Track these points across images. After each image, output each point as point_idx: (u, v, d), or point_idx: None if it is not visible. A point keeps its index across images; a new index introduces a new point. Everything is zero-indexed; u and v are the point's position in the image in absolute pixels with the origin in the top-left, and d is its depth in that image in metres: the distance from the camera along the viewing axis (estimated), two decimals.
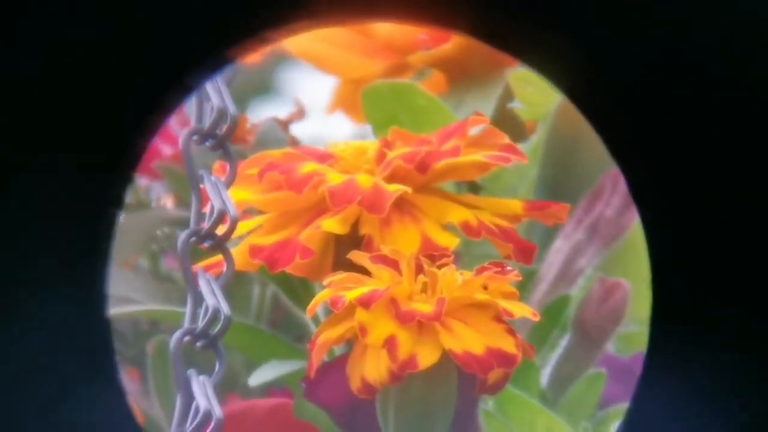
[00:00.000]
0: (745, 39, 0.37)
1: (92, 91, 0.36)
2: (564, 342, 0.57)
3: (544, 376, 0.57)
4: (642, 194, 0.39)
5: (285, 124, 0.64)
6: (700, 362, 0.38)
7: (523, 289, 0.60)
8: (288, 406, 0.52)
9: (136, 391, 0.59)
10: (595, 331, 0.57)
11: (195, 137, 0.41)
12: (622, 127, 0.38)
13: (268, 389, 0.57)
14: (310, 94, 0.64)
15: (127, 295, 0.60)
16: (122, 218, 0.65)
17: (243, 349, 0.55)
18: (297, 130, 0.63)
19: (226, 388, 0.58)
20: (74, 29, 0.35)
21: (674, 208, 0.38)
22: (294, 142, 0.63)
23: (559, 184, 0.65)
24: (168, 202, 0.66)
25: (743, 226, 0.37)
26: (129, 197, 0.65)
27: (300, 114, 0.64)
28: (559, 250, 0.62)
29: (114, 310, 0.58)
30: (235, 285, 0.59)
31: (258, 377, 0.50)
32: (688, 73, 0.37)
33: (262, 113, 0.65)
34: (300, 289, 0.52)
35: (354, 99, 0.58)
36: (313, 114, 0.63)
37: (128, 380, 0.61)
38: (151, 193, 0.65)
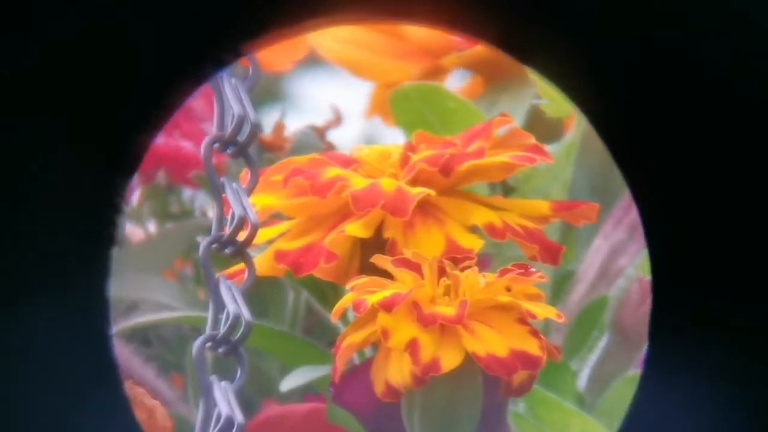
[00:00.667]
0: (749, 45, 0.36)
1: (96, 87, 0.36)
2: (602, 343, 0.57)
3: (583, 378, 0.56)
4: (642, 197, 0.38)
5: (321, 132, 0.64)
6: (700, 362, 0.37)
7: (561, 289, 0.60)
8: (322, 411, 0.52)
9: (178, 397, 0.60)
10: (634, 332, 0.56)
11: (216, 145, 0.41)
12: (624, 135, 0.38)
13: (304, 395, 0.57)
14: (344, 100, 0.64)
15: (169, 303, 0.61)
16: (167, 227, 0.66)
17: (277, 354, 0.55)
18: (333, 136, 0.64)
19: (261, 394, 0.58)
20: (79, 22, 0.35)
21: (675, 211, 0.38)
22: (330, 149, 0.63)
23: (598, 184, 0.64)
24: (210, 211, 0.67)
25: (744, 227, 0.37)
26: (174, 206, 0.66)
27: (337, 121, 0.64)
28: (598, 249, 0.62)
29: (153, 317, 0.58)
30: (269, 291, 0.59)
31: (289, 382, 0.50)
32: (692, 80, 0.37)
33: (297, 120, 0.65)
34: (330, 294, 0.52)
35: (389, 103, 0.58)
36: (349, 120, 0.63)
37: (172, 386, 0.61)
38: (194, 202, 0.66)
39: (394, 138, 0.58)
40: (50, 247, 0.35)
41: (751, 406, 0.36)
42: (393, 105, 0.54)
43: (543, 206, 0.47)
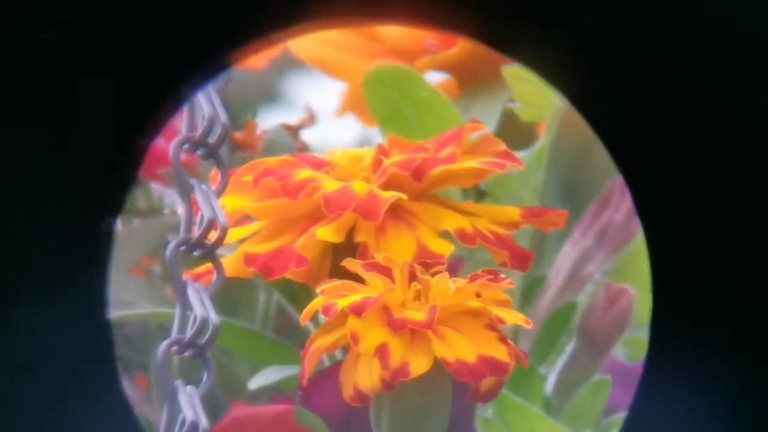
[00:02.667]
0: (746, 49, 0.36)
1: (93, 93, 0.36)
2: (569, 348, 0.57)
3: (550, 383, 0.56)
4: (644, 200, 0.38)
5: (295, 131, 0.64)
6: (699, 367, 0.37)
7: (531, 294, 0.60)
8: (291, 412, 0.52)
9: (142, 398, 0.59)
10: (601, 338, 0.57)
11: (186, 146, 0.41)
12: (625, 135, 0.38)
13: (272, 396, 0.57)
14: (319, 100, 0.64)
15: (136, 301, 0.60)
16: (134, 224, 0.66)
17: (247, 355, 0.55)
18: (306, 136, 0.63)
19: (230, 395, 0.58)
20: (76, 29, 0.35)
21: (675, 214, 0.38)
22: (303, 149, 0.63)
23: (566, 190, 0.64)
24: (179, 209, 0.66)
25: (744, 232, 0.37)
26: (142, 203, 0.65)
27: (310, 120, 0.64)
28: (567, 256, 0.62)
29: (119, 313, 0.58)
30: (240, 292, 0.59)
31: (258, 381, 0.50)
32: (692, 81, 0.37)
33: (270, 119, 0.65)
34: (302, 296, 0.52)
35: (363, 102, 0.58)
36: (322, 119, 0.63)
37: (136, 387, 0.61)
38: (164, 199, 0.65)
39: (370, 138, 0.58)
40: (49, 247, 0.35)
41: (751, 410, 0.36)
42: (366, 89, 0.53)
43: (513, 212, 0.47)
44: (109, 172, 0.36)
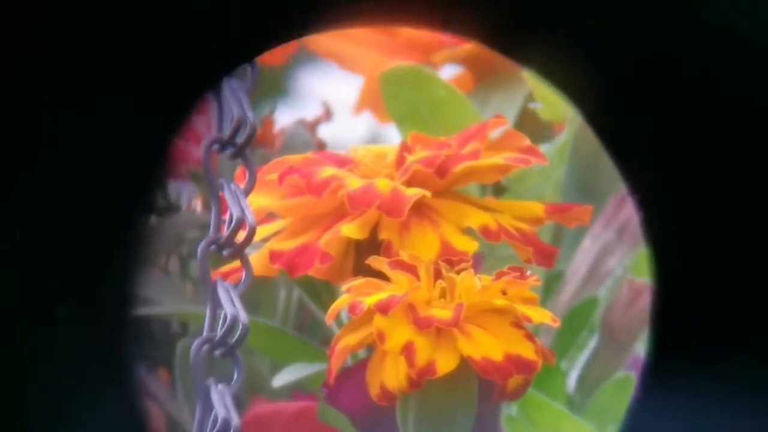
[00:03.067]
0: (754, 57, 0.36)
1: (124, 94, 0.36)
2: (591, 344, 0.57)
3: (572, 379, 0.56)
4: (647, 207, 0.38)
5: (312, 126, 0.63)
6: (702, 368, 0.37)
7: (550, 290, 0.60)
8: (313, 409, 0.52)
9: (164, 394, 0.59)
10: (623, 334, 0.56)
11: (215, 146, 0.41)
12: (628, 143, 0.38)
13: (294, 392, 0.57)
14: (336, 95, 0.64)
15: (156, 297, 0.60)
16: (153, 221, 0.66)
17: (268, 351, 0.55)
18: (323, 131, 0.63)
19: (252, 391, 0.58)
20: (106, 30, 0.35)
21: (679, 218, 0.38)
22: (321, 145, 0.63)
23: (587, 184, 0.64)
24: (198, 205, 0.66)
25: (747, 234, 0.37)
26: (160, 200, 0.65)
27: (327, 116, 0.64)
28: (587, 250, 0.62)
29: (141, 310, 0.58)
30: (261, 289, 0.59)
31: (282, 378, 0.50)
32: (698, 90, 0.37)
33: (287, 115, 0.65)
34: (324, 293, 0.52)
35: (379, 98, 0.58)
36: (339, 115, 0.63)
37: (158, 382, 0.61)
38: (181, 196, 0.65)
39: (385, 133, 0.58)
40: (79, 245, 0.36)
41: (753, 410, 0.36)
42: (383, 88, 0.53)
43: (537, 208, 0.47)
44: (139, 171, 0.37)
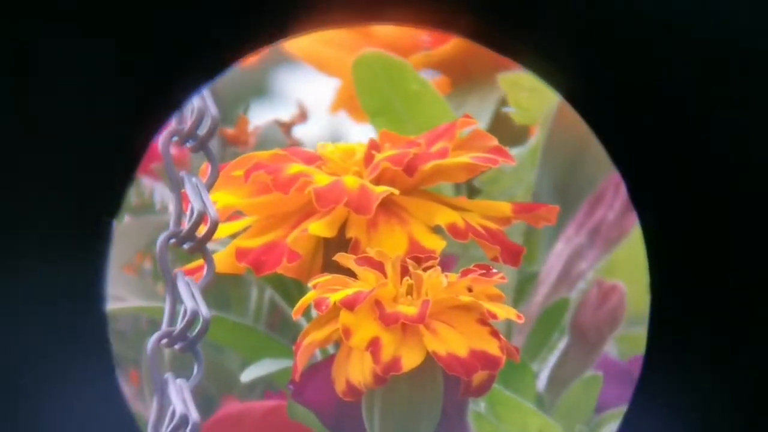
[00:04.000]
0: (743, 42, 0.36)
1: (94, 93, 0.36)
2: (561, 345, 0.57)
3: (542, 379, 0.56)
4: (641, 197, 0.38)
5: (287, 127, 0.64)
6: (697, 367, 0.37)
7: (524, 291, 0.60)
8: (283, 408, 0.52)
9: (133, 393, 0.59)
10: (592, 334, 0.57)
11: (175, 138, 0.41)
12: (621, 131, 0.38)
13: (265, 391, 0.57)
14: (312, 96, 0.64)
15: (127, 297, 0.60)
16: (126, 220, 0.66)
17: (239, 349, 0.55)
18: (298, 132, 0.63)
19: (222, 390, 0.58)
20: (80, 30, 0.35)
21: (673, 211, 0.38)
22: (295, 145, 0.63)
23: (560, 186, 0.64)
24: (171, 204, 0.66)
25: (742, 228, 0.37)
26: (133, 199, 0.65)
27: (302, 117, 0.64)
28: (559, 253, 0.62)
29: (110, 307, 0.58)
30: (232, 287, 0.59)
31: (251, 373, 0.50)
32: (688, 77, 0.37)
33: (262, 115, 0.65)
34: (294, 291, 0.52)
35: (356, 100, 0.58)
36: (314, 116, 0.63)
37: (128, 382, 0.61)
38: (155, 195, 0.65)
39: (360, 134, 0.58)
40: (49, 242, 0.36)
41: (749, 407, 0.36)
42: (356, 76, 0.53)
43: (504, 207, 0.47)
44: (108, 172, 0.37)
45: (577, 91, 0.38)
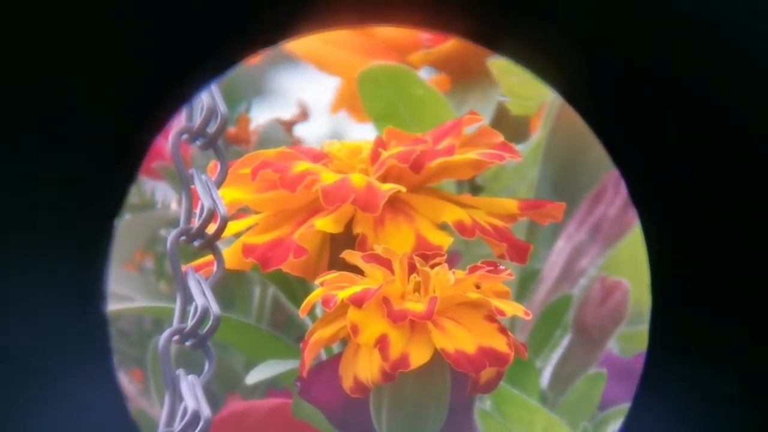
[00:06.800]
0: (742, 43, 0.36)
1: (97, 91, 0.36)
2: (565, 342, 0.57)
3: (546, 376, 0.56)
4: (641, 195, 0.38)
5: (288, 126, 0.64)
6: (700, 364, 0.37)
7: (526, 288, 0.60)
8: (288, 406, 0.52)
9: (139, 391, 0.59)
10: (596, 331, 0.57)
11: (185, 136, 0.41)
12: (620, 129, 0.38)
13: (269, 389, 0.57)
14: (313, 95, 0.64)
15: (130, 295, 0.60)
16: (127, 218, 0.66)
17: (243, 348, 0.55)
18: (300, 131, 0.63)
19: (226, 388, 0.58)
20: (81, 27, 0.35)
21: (673, 209, 0.38)
22: (297, 144, 0.63)
23: (561, 183, 0.65)
24: (173, 203, 0.66)
25: (742, 227, 0.37)
26: (134, 198, 0.65)
27: (303, 115, 0.64)
28: (561, 250, 0.62)
29: (114, 307, 0.58)
30: (236, 285, 0.59)
31: (255, 375, 0.50)
32: (686, 75, 0.37)
33: (264, 114, 0.65)
34: (298, 289, 0.52)
35: (357, 98, 0.58)
36: (315, 115, 0.63)
37: (131, 380, 0.61)
38: (156, 193, 0.65)
39: (361, 134, 0.58)
40: (50, 241, 0.36)
41: (751, 406, 0.36)
42: (361, 88, 0.53)
43: (511, 204, 0.47)
44: (110, 171, 0.37)
45: (576, 92, 0.38)
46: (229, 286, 0.58)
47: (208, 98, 0.40)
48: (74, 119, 0.36)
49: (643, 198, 0.38)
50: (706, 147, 0.37)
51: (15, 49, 0.35)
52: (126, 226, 0.62)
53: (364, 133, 0.60)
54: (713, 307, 0.37)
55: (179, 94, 0.37)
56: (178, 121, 0.41)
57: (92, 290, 0.37)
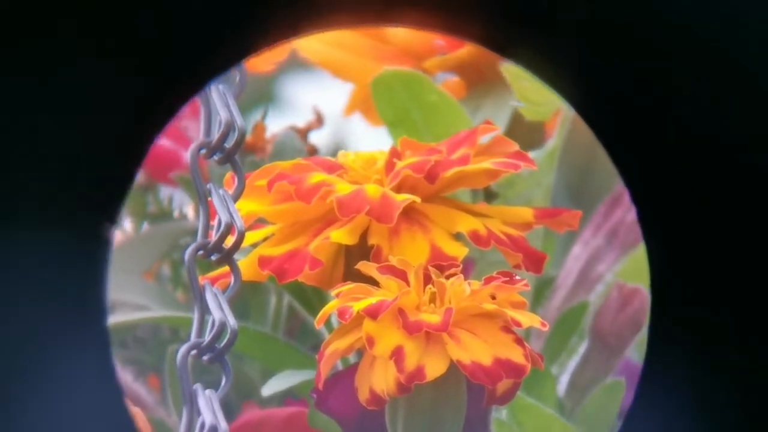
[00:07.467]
0: (754, 51, 0.36)
1: (98, 90, 0.36)
2: (581, 349, 0.57)
3: (562, 384, 0.56)
4: (645, 207, 0.38)
5: (303, 133, 0.64)
6: (698, 370, 0.37)
7: (542, 295, 0.60)
8: (303, 415, 0.52)
9: (155, 400, 0.59)
10: (613, 339, 0.57)
11: (203, 151, 0.41)
12: (627, 141, 0.38)
13: (285, 398, 0.57)
14: (327, 102, 0.64)
15: (147, 303, 0.60)
16: (145, 229, 0.66)
17: (258, 357, 0.55)
18: (315, 138, 0.63)
19: (242, 397, 0.58)
20: (85, 26, 0.35)
21: (676, 221, 0.38)
22: (312, 151, 0.63)
23: (577, 190, 0.64)
24: (189, 212, 0.66)
25: (745, 233, 0.37)
26: (152, 207, 0.65)
27: (318, 122, 0.64)
28: (577, 256, 0.62)
29: (132, 317, 0.58)
30: (251, 295, 0.59)
31: (272, 386, 0.50)
32: (694, 86, 0.37)
33: (278, 122, 0.65)
34: (314, 299, 0.52)
35: (370, 103, 0.58)
36: (330, 122, 0.63)
37: (149, 389, 0.61)
38: (173, 202, 0.65)
39: (374, 139, 0.58)
40: (48, 246, 0.36)
41: (751, 410, 0.36)
42: (375, 93, 0.53)
43: (526, 213, 0.47)
44: (110, 173, 0.37)
45: (586, 101, 0.38)
46: (245, 295, 0.58)
47: (226, 112, 0.40)
48: (73, 119, 0.36)
49: (648, 214, 0.38)
50: (708, 156, 0.37)
51: (15, 49, 0.35)
52: (144, 237, 0.62)
53: (377, 138, 0.60)
54: (713, 307, 0.37)
55: (182, 92, 0.37)
56: (187, 133, 0.41)
57: (92, 290, 0.37)
